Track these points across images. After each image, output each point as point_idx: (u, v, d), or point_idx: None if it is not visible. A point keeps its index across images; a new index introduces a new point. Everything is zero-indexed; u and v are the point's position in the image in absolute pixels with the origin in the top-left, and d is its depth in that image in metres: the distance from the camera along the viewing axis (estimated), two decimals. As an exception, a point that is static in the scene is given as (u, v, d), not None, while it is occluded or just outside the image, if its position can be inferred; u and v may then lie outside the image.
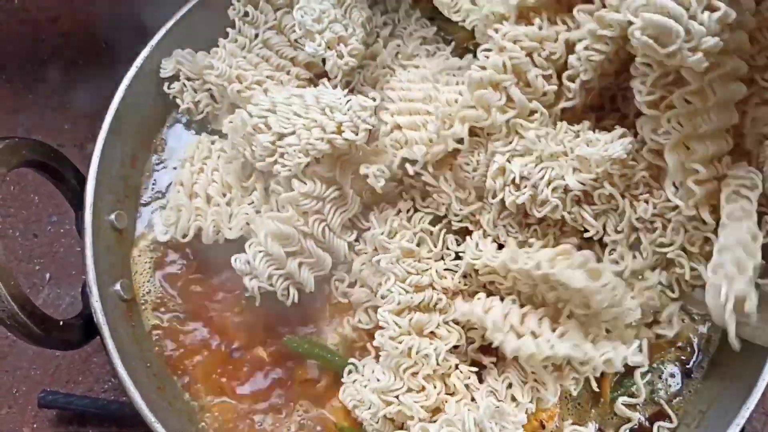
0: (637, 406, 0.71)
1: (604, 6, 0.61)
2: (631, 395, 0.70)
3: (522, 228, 0.69)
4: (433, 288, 0.68)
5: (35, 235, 0.93)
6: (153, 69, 0.81)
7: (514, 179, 0.65)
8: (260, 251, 0.69)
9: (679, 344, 0.75)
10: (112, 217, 0.75)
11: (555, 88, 0.66)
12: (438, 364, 0.65)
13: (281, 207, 0.71)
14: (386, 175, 0.69)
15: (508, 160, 0.66)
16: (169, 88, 0.81)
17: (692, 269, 0.65)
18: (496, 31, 0.65)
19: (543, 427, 0.68)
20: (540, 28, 0.64)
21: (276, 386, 0.73)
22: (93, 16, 1.02)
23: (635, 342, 0.64)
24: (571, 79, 0.65)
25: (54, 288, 0.90)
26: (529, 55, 0.64)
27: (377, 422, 0.65)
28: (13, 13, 1.01)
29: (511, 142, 0.66)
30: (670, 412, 0.72)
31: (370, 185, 0.70)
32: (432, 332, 0.66)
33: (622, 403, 0.69)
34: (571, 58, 0.64)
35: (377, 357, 0.69)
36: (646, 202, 0.64)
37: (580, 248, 0.64)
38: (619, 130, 0.64)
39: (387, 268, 0.68)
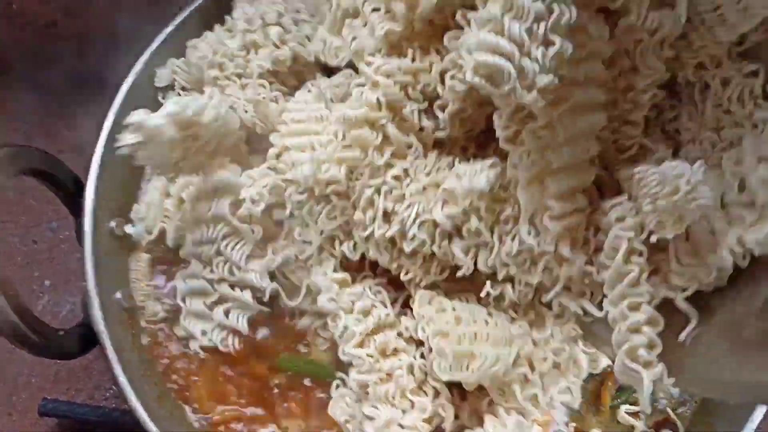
0: (640, 414, 0.70)
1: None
2: (634, 402, 0.70)
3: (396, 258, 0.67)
4: (375, 306, 0.67)
5: (34, 241, 0.93)
6: (152, 75, 0.81)
7: (385, 211, 0.63)
8: (185, 313, 0.71)
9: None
10: (112, 224, 0.74)
11: (432, 123, 0.64)
12: (414, 375, 0.65)
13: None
14: (264, 198, 0.69)
15: (378, 193, 0.64)
16: (164, 98, 0.81)
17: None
18: (368, 64, 0.63)
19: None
20: (413, 60, 0.62)
21: (276, 394, 0.73)
22: (91, 21, 1.02)
23: (561, 381, 0.64)
24: (442, 108, 0.63)
25: (53, 295, 0.90)
26: (404, 89, 0.62)
27: None
28: (12, 17, 1.01)
29: (380, 176, 0.65)
30: (676, 419, 0.71)
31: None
32: (395, 349, 0.65)
33: (625, 411, 0.68)
34: (439, 88, 0.62)
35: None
36: (513, 238, 0.62)
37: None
38: (488, 161, 0.62)
39: (330, 307, 0.67)
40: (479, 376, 0.60)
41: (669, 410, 0.72)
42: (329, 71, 0.76)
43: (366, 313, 0.66)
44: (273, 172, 0.70)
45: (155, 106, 0.80)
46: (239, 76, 0.77)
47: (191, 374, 0.73)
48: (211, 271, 0.70)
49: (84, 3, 0.99)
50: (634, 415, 0.70)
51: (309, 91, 0.75)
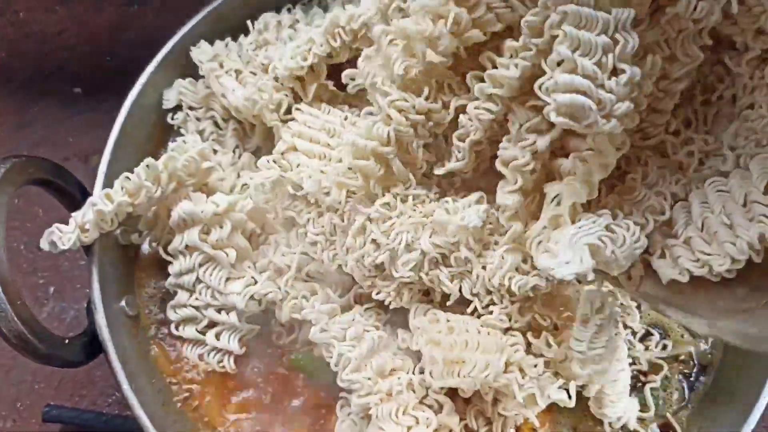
0: (647, 420, 0.71)
1: (494, 67, 0.60)
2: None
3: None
4: (367, 331, 0.68)
5: (39, 248, 0.93)
6: (158, 84, 0.82)
7: (374, 239, 0.65)
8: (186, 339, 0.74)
9: (682, 358, 0.76)
10: (117, 232, 0.75)
11: (430, 156, 0.67)
12: (414, 391, 0.66)
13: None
14: (266, 189, 0.72)
15: (369, 221, 0.66)
16: (172, 118, 0.82)
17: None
18: (384, 95, 0.63)
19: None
20: (427, 99, 0.63)
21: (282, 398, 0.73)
22: (98, 29, 1.03)
23: (559, 380, 0.65)
24: (461, 138, 0.63)
25: (58, 302, 0.91)
26: (414, 126, 0.64)
27: None
28: (19, 26, 1.02)
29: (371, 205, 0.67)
30: (676, 425, 0.72)
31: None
32: (392, 369, 0.66)
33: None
34: (462, 118, 0.63)
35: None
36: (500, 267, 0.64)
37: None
38: (474, 195, 0.64)
39: (322, 337, 0.67)
40: (470, 381, 0.62)
41: (669, 415, 0.72)
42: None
43: (359, 338, 0.67)
44: (276, 166, 0.71)
45: (162, 114, 0.82)
46: (237, 71, 0.79)
47: (196, 382, 0.74)
48: (196, 298, 0.72)
49: (92, 13, 1.00)
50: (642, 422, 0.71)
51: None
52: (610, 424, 0.70)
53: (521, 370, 0.64)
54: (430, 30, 0.60)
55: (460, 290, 0.67)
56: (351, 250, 0.67)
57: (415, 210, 0.67)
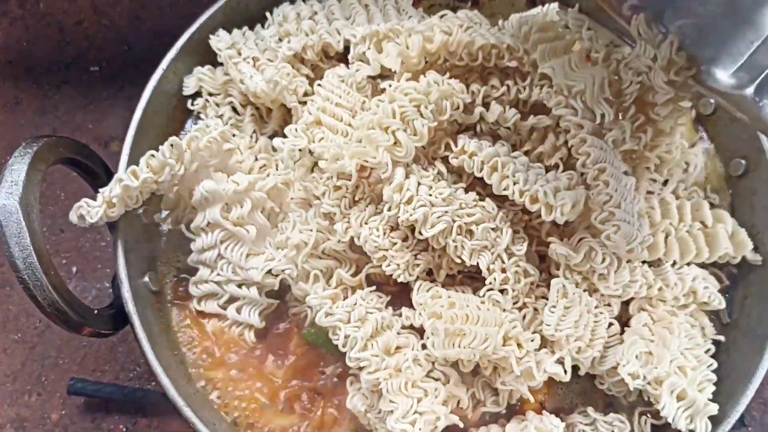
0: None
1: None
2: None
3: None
4: (370, 312, 0.71)
5: (62, 230, 0.97)
6: (178, 71, 0.85)
7: (411, 197, 0.69)
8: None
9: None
10: (140, 211, 0.78)
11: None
12: (421, 365, 0.69)
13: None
14: (295, 156, 0.76)
15: (407, 176, 0.70)
16: (192, 104, 0.85)
17: None
18: (389, 85, 0.72)
19: (542, 406, 0.73)
20: (428, 85, 0.70)
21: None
22: (116, 19, 1.05)
23: (555, 355, 0.68)
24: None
25: (80, 281, 0.94)
26: (417, 107, 0.70)
27: None
28: (39, 17, 1.05)
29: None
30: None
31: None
32: (398, 346, 0.70)
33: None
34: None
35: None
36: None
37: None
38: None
39: (328, 321, 0.70)
40: (469, 352, 0.65)
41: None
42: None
43: (363, 320, 0.70)
44: (304, 136, 0.75)
45: (182, 99, 0.85)
46: (255, 59, 0.82)
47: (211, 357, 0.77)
48: (218, 274, 0.75)
49: (110, 3, 1.03)
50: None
51: (338, 76, 0.80)
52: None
53: (519, 344, 0.67)
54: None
55: (477, 265, 0.70)
56: (387, 203, 0.70)
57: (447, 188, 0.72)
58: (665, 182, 0.81)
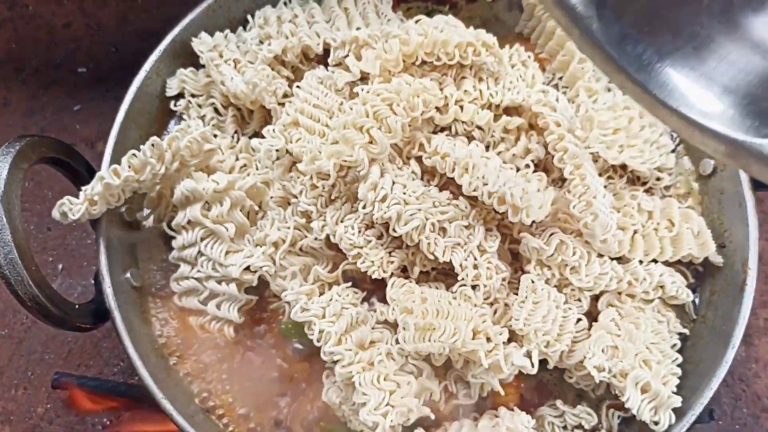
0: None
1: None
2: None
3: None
4: (345, 308, 0.73)
5: (49, 228, 0.99)
6: (161, 73, 0.87)
7: (385, 196, 0.71)
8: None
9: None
10: (123, 210, 0.80)
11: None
12: (394, 359, 0.71)
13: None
14: (272, 155, 0.78)
15: (382, 175, 0.72)
16: (175, 105, 0.87)
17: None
18: (362, 89, 0.75)
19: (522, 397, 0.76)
20: (399, 84, 0.74)
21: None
22: (104, 21, 1.08)
23: (523, 348, 0.70)
24: None
25: (66, 278, 0.96)
26: (390, 105, 0.72)
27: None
28: (29, 19, 1.07)
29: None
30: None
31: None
32: (371, 341, 0.72)
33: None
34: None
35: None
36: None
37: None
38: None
39: (303, 316, 0.72)
40: (439, 346, 0.67)
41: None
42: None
43: (338, 315, 0.72)
44: (281, 136, 0.77)
45: (165, 100, 0.87)
46: (236, 61, 0.84)
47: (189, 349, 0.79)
48: (198, 270, 0.77)
49: (98, 5, 1.05)
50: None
51: (317, 77, 0.82)
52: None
53: (488, 338, 0.69)
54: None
55: (450, 261, 0.72)
56: (362, 201, 0.72)
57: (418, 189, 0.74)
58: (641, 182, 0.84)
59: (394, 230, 0.72)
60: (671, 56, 0.43)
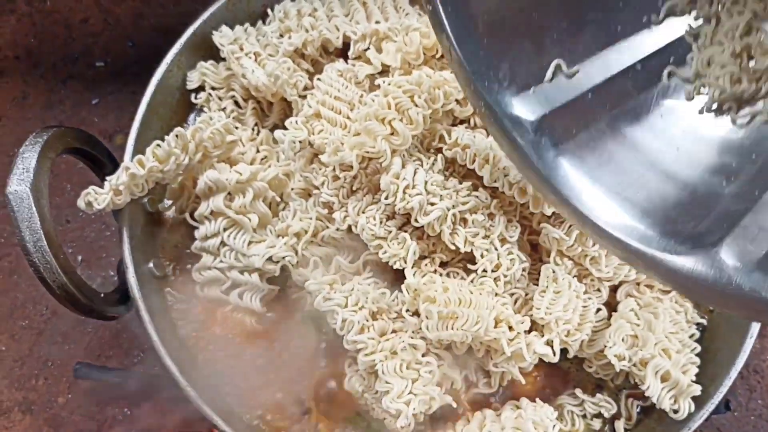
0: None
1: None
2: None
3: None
4: (367, 298, 0.74)
5: (68, 220, 1.00)
6: (182, 65, 0.87)
7: (407, 186, 0.72)
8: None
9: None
10: (145, 200, 0.81)
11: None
12: (416, 348, 0.72)
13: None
14: (295, 148, 0.79)
15: (403, 166, 0.73)
16: (196, 98, 0.88)
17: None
18: (384, 81, 0.76)
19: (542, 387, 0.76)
20: (419, 77, 0.74)
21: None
22: (120, 16, 1.08)
23: (545, 337, 0.71)
24: None
25: (86, 269, 0.97)
26: (411, 97, 0.73)
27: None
28: (46, 14, 1.08)
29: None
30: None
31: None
32: (393, 330, 0.73)
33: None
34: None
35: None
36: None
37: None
38: None
39: (326, 306, 0.73)
40: (462, 334, 0.68)
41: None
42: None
43: (360, 305, 0.73)
44: (304, 128, 0.78)
45: (185, 93, 0.88)
46: (257, 54, 0.84)
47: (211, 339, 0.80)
48: (221, 260, 0.78)
49: (116, 1, 1.05)
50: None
51: (338, 70, 0.83)
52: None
53: (510, 327, 0.70)
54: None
55: (472, 252, 0.73)
56: (385, 191, 0.73)
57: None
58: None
59: (416, 221, 0.73)
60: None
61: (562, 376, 0.79)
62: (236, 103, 0.88)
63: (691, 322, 0.78)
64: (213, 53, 0.88)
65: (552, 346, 0.71)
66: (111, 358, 0.92)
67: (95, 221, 0.99)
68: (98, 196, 0.73)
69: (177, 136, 0.76)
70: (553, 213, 0.75)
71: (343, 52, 0.87)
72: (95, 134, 1.03)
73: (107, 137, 1.04)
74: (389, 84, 0.76)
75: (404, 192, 0.73)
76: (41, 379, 0.91)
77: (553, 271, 0.74)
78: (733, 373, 0.73)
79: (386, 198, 0.73)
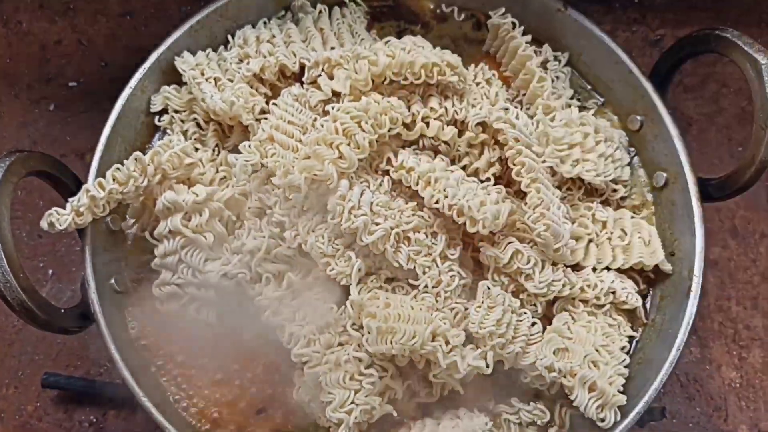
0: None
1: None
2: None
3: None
4: (315, 312, 0.78)
5: (40, 236, 1.04)
6: (146, 89, 0.92)
7: (353, 207, 0.76)
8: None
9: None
10: (108, 219, 0.85)
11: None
12: (361, 360, 0.76)
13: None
14: (248, 171, 0.83)
15: (351, 188, 0.77)
16: (159, 120, 0.92)
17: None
18: (333, 107, 0.80)
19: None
20: (367, 103, 0.79)
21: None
22: (94, 38, 1.13)
23: (479, 350, 0.76)
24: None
25: (56, 283, 1.01)
26: (358, 122, 0.77)
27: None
28: (22, 35, 1.12)
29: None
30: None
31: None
32: (339, 343, 0.77)
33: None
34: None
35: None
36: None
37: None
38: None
39: (273, 321, 0.78)
40: (399, 348, 0.72)
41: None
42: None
43: (307, 320, 0.77)
44: (257, 152, 0.82)
45: (149, 115, 0.92)
46: (216, 79, 0.89)
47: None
48: (179, 277, 0.82)
49: (89, 23, 1.10)
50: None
51: (292, 95, 0.87)
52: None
53: (446, 341, 0.74)
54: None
55: (414, 269, 0.78)
56: (332, 212, 0.77)
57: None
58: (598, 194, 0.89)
59: (361, 239, 0.78)
60: None
61: (501, 386, 0.83)
62: (198, 125, 0.92)
63: (623, 335, 0.83)
64: (176, 78, 0.93)
65: (486, 359, 0.76)
66: (79, 367, 0.96)
67: (66, 237, 1.03)
68: (60, 217, 0.77)
69: (136, 159, 0.80)
70: (491, 233, 0.80)
71: (300, 77, 0.91)
72: (67, 152, 1.10)
73: (79, 155, 1.09)
74: (337, 110, 0.80)
75: (350, 212, 0.77)
76: (11, 388, 0.95)
77: (488, 288, 0.78)
78: (659, 384, 0.78)
79: (332, 218, 0.78)
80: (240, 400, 0.82)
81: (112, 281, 0.83)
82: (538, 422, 0.80)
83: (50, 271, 1.02)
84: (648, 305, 0.87)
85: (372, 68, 0.84)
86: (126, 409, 0.92)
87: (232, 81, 0.90)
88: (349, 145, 0.78)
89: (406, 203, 0.81)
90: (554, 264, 0.81)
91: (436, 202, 0.78)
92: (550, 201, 0.80)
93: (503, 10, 0.93)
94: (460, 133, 0.85)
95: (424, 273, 0.78)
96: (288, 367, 0.82)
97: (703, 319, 1.03)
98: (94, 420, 0.93)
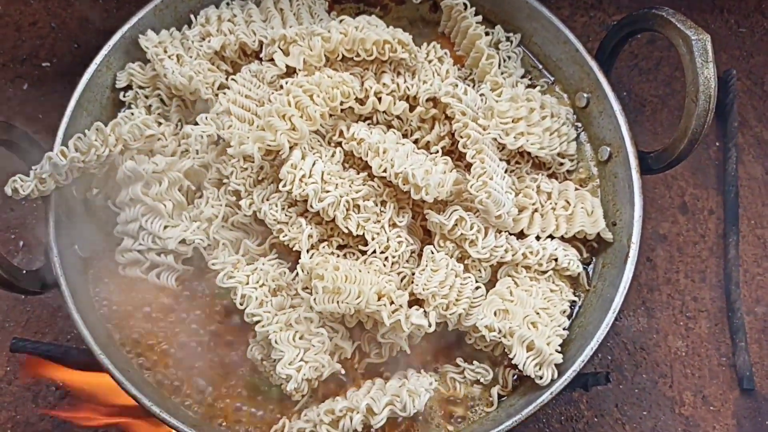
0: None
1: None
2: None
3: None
4: (269, 276, 0.82)
5: (12, 209, 1.08)
6: (112, 66, 0.95)
7: (303, 175, 0.80)
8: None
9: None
10: (73, 188, 0.89)
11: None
12: (312, 321, 0.80)
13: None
14: (204, 143, 0.87)
15: (303, 158, 0.81)
16: (124, 96, 0.95)
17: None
18: (286, 81, 0.84)
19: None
20: (319, 77, 0.83)
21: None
22: (67, 20, 1.16)
23: (422, 309, 0.80)
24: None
25: (26, 253, 1.05)
26: (310, 96, 0.81)
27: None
28: (-4, 18, 1.16)
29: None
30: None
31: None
32: (291, 305, 0.81)
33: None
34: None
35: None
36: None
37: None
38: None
39: (227, 283, 0.81)
40: (345, 307, 0.76)
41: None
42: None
43: (261, 283, 0.81)
44: (213, 123, 0.86)
45: (113, 92, 0.95)
46: (179, 56, 0.92)
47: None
48: (140, 243, 0.85)
49: (63, 5, 1.13)
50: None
51: (251, 71, 0.91)
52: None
53: (391, 301, 0.78)
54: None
55: (363, 235, 0.82)
56: (283, 180, 0.81)
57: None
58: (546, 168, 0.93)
59: (311, 206, 0.81)
60: None
61: (448, 347, 0.87)
62: (162, 100, 0.96)
63: (564, 300, 0.87)
64: (141, 55, 0.96)
65: (428, 318, 0.79)
66: (47, 334, 1.00)
67: (37, 209, 1.07)
68: (24, 184, 0.81)
69: (97, 129, 0.84)
70: (440, 201, 0.84)
71: (260, 55, 0.95)
72: (40, 130, 1.11)
73: (51, 132, 1.11)
74: (291, 83, 0.84)
75: (301, 180, 0.81)
76: (-18, 353, 0.99)
77: (432, 252, 0.82)
78: (594, 344, 0.81)
79: (284, 186, 0.82)
80: (198, 359, 0.86)
81: (76, 247, 0.87)
82: (482, 380, 0.84)
83: (21, 243, 1.05)
84: (591, 272, 0.91)
85: (325, 45, 0.87)
86: (90, 371, 0.95)
87: (193, 58, 0.94)
88: (301, 117, 0.82)
89: (358, 173, 0.85)
90: (498, 231, 0.85)
91: (384, 171, 0.82)
92: (494, 171, 0.83)
93: (456, -9, 0.97)
94: (412, 108, 0.89)
95: (372, 239, 0.82)
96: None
97: (651, 291, 1.07)
98: (61, 383, 0.97)
